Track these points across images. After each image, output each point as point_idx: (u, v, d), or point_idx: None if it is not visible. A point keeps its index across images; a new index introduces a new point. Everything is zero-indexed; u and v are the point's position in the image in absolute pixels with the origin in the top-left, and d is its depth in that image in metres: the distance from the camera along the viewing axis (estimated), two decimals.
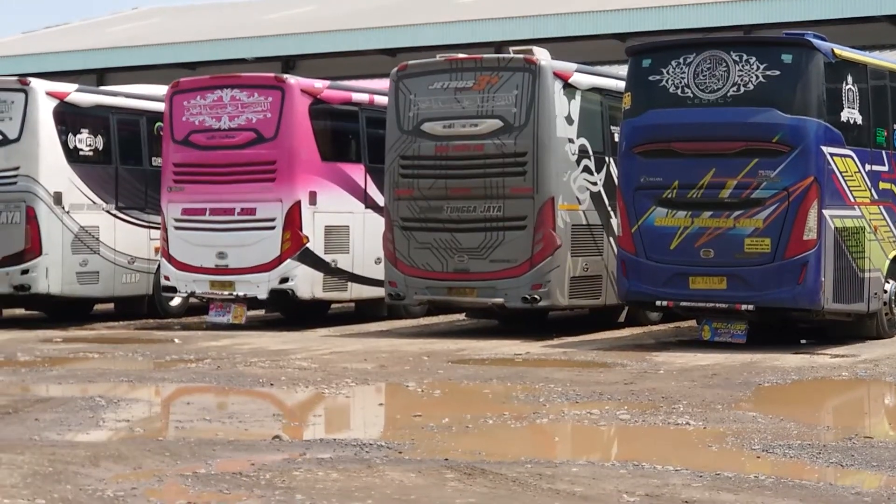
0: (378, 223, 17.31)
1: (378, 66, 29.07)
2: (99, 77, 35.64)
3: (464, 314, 18.69)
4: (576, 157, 16.25)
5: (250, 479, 7.47)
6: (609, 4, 30.82)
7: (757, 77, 14.20)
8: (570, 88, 16.25)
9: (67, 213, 18.23)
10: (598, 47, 29.42)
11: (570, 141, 16.19)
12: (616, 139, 15.99)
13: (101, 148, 18.92)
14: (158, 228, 18.42)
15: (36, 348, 15.39)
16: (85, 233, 18.46)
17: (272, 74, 18.36)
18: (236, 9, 41.59)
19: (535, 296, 15.87)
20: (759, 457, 8.38)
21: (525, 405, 10.61)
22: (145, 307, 19.66)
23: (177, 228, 17.85)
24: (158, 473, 7.75)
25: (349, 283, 17.99)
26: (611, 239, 16.39)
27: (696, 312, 15.00)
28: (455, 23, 32.08)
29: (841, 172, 14.39)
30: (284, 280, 17.26)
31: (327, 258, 17.61)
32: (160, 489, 7.39)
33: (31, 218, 17.92)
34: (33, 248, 17.94)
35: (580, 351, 14.77)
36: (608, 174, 16.62)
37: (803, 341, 15.06)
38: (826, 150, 14.17)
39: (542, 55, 16.24)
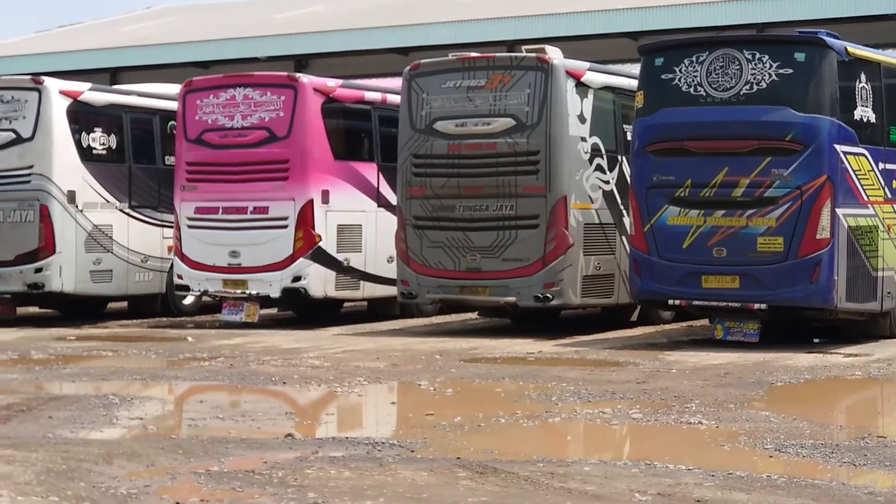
0: (390, 222, 17.32)
1: (391, 65, 29.07)
2: (112, 76, 35.69)
3: (476, 313, 18.69)
4: (588, 155, 16.25)
5: (263, 477, 7.48)
6: (621, 3, 30.78)
7: (770, 75, 14.19)
8: (582, 87, 16.25)
9: (81, 211, 18.28)
10: (610, 46, 29.40)
11: (583, 140, 16.18)
12: (628, 138, 15.98)
13: (114, 147, 18.95)
14: (171, 227, 18.46)
15: (50, 346, 15.43)
16: (98, 231, 18.50)
17: (285, 73, 18.39)
18: (249, 8, 41.62)
19: (548, 295, 15.86)
20: (771, 456, 8.37)
21: (537, 404, 10.61)
22: (158, 306, 19.69)
23: (190, 227, 17.88)
24: (171, 471, 7.77)
25: (361, 282, 18.00)
26: (623, 238, 16.38)
27: (709, 311, 14.98)
28: (467, 21, 32.06)
29: (854, 171, 14.36)
30: (297, 279, 17.28)
31: (340, 257, 17.62)
32: (173, 487, 7.40)
33: (45, 216, 17.96)
34: (47, 246, 17.98)
35: (592, 350, 14.76)
36: (621, 173, 16.60)
37: (816, 340, 15.04)
38: (839, 148, 14.14)
39: (554, 54, 16.24)
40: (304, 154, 17.28)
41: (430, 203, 16.47)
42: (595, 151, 16.35)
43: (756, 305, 14.24)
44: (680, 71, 14.64)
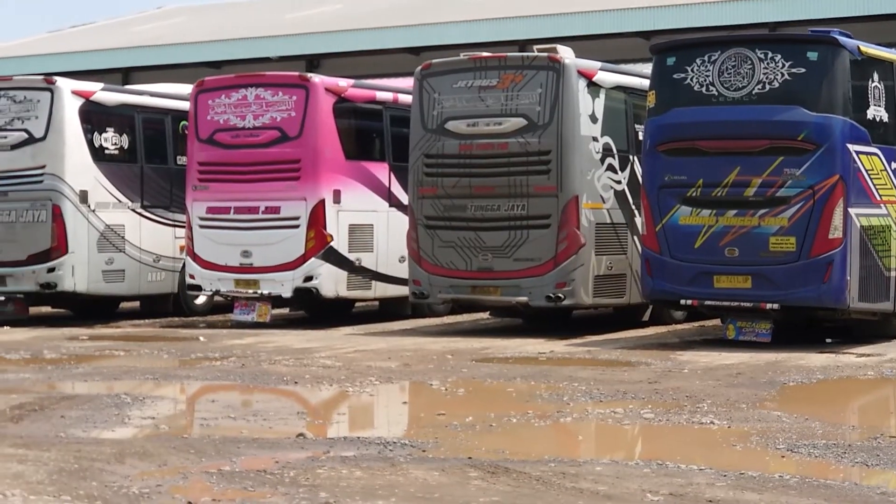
0: (402, 222, 17.33)
1: (402, 65, 29.06)
2: (124, 76, 35.75)
3: (488, 313, 18.68)
4: (600, 155, 16.23)
5: (274, 476, 7.48)
6: (633, 2, 30.75)
7: (782, 75, 14.16)
8: (594, 87, 16.23)
9: (93, 211, 18.31)
10: (622, 45, 29.38)
11: (595, 139, 16.17)
12: (640, 137, 15.96)
13: (126, 146, 18.99)
14: (183, 227, 18.49)
15: (62, 346, 15.46)
16: (110, 231, 18.53)
17: (296, 73, 18.40)
18: (261, 8, 41.65)
19: (559, 294, 15.85)
20: (783, 456, 8.36)
21: (549, 404, 10.60)
22: (170, 305, 19.73)
23: (202, 227, 17.91)
24: (183, 470, 7.77)
25: (373, 282, 18.01)
26: (635, 237, 16.37)
27: (721, 311, 14.96)
28: (479, 21, 32.05)
29: (867, 170, 14.33)
30: (309, 278, 17.30)
31: (351, 257, 17.63)
32: (185, 486, 7.41)
33: (58, 216, 18.00)
34: (59, 246, 18.02)
35: (604, 350, 14.75)
36: (632, 172, 16.59)
37: (828, 340, 15.01)
38: (852, 147, 14.11)
39: (566, 53, 16.22)
40: (315, 154, 17.30)
41: (442, 203, 16.47)
42: (607, 151, 16.34)
43: (768, 305, 14.22)
44: (692, 70, 14.62)
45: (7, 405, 10.31)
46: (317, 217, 17.21)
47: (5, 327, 18.06)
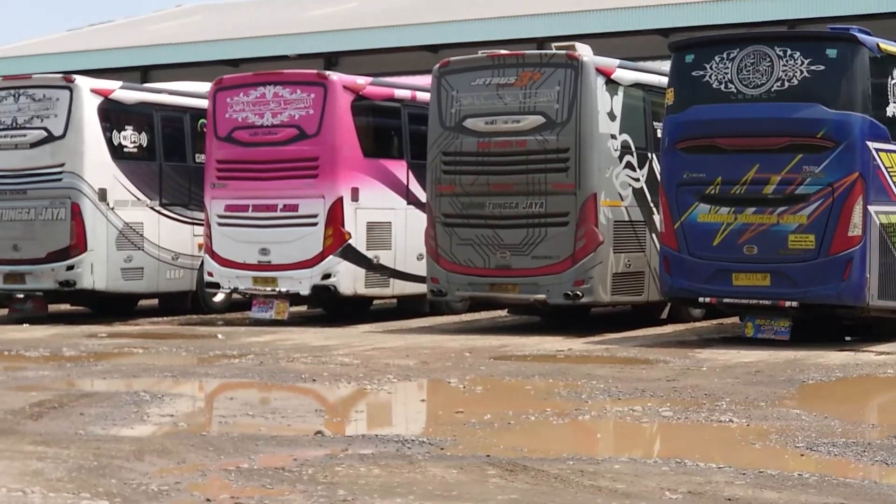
0: (420, 219, 17.33)
1: (420, 63, 29.03)
2: (143, 74, 35.81)
3: (506, 310, 18.67)
4: (618, 153, 16.21)
5: (293, 474, 7.49)
6: (652, 0, 30.69)
7: (801, 72, 14.12)
8: (612, 84, 16.21)
9: (112, 209, 18.36)
10: (640, 43, 29.31)
11: (613, 137, 16.14)
12: (659, 135, 15.94)
13: (145, 145, 19.03)
14: (202, 225, 18.51)
15: (81, 343, 15.50)
16: (129, 229, 18.58)
17: (315, 71, 18.44)
18: (279, 5, 41.68)
19: (578, 292, 15.83)
20: (802, 455, 8.34)
21: (567, 402, 10.59)
22: (189, 303, 19.77)
23: (220, 225, 17.93)
24: (202, 468, 7.79)
25: (391, 280, 18.01)
26: (653, 235, 16.34)
27: (740, 309, 14.94)
28: (497, 19, 32.01)
29: (886, 168, 14.28)
30: (327, 276, 17.31)
31: (369, 254, 17.64)
32: (203, 483, 7.42)
33: (77, 214, 18.05)
34: (78, 244, 18.07)
35: (622, 347, 14.73)
36: (651, 170, 16.56)
37: (848, 338, 14.97)
38: (871, 145, 14.07)
39: (584, 51, 16.21)
40: (333, 152, 17.31)
41: (460, 200, 16.46)
42: (625, 149, 16.31)
43: (787, 303, 14.19)
44: (711, 68, 14.59)
45: (27, 402, 10.35)
46: (335, 215, 17.22)
47: (25, 325, 18.13)
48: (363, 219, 17.54)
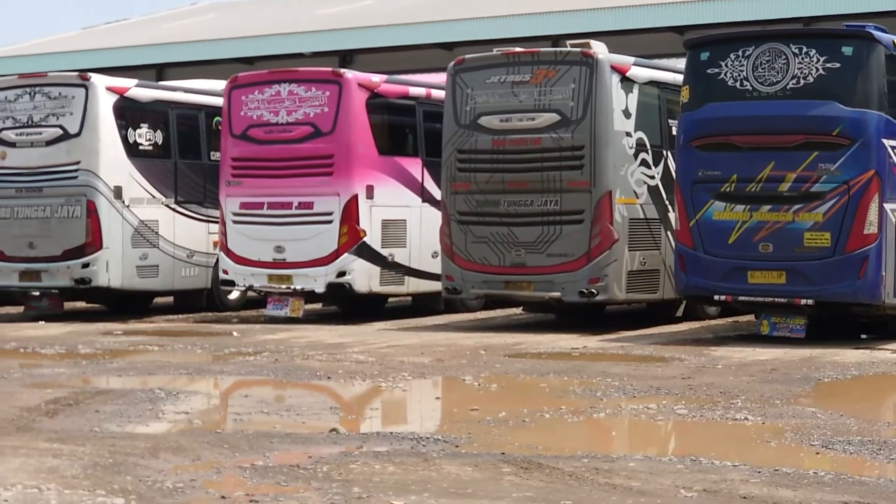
0: (435, 217, 17.33)
1: (435, 60, 29.05)
2: (158, 72, 35.87)
3: (521, 308, 18.67)
4: (633, 150, 16.19)
5: (308, 471, 7.50)
6: None
7: (817, 70, 14.09)
8: (627, 82, 16.19)
9: (127, 207, 18.39)
10: (655, 40, 29.27)
11: (628, 134, 16.12)
12: (674, 133, 15.92)
13: (160, 142, 19.06)
14: (217, 222, 18.53)
15: (96, 341, 15.53)
16: (144, 227, 18.61)
17: (329, 69, 18.43)
18: (293, 3, 41.72)
19: (593, 290, 15.82)
20: (818, 453, 8.32)
21: (582, 399, 10.59)
22: (204, 300, 19.80)
23: (235, 222, 17.96)
24: (217, 465, 7.80)
25: (406, 277, 18.02)
26: (668, 233, 16.32)
27: (755, 307, 14.92)
28: (512, 16, 32.01)
29: None
30: (342, 274, 17.32)
31: (384, 252, 17.64)
32: (218, 481, 7.43)
33: (92, 212, 18.09)
34: (94, 241, 18.10)
35: (637, 345, 14.72)
36: (666, 168, 16.54)
37: (863, 336, 14.94)
38: (887, 143, 14.04)
39: (599, 49, 16.19)
40: (348, 149, 17.32)
41: (475, 198, 16.46)
42: (640, 146, 16.29)
43: (802, 301, 14.17)
44: (726, 65, 14.56)
45: (42, 400, 10.37)
46: (350, 212, 17.23)
47: (40, 322, 18.18)
48: (378, 216, 17.54)
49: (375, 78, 18.05)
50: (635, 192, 16.19)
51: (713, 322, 17.34)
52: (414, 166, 18.20)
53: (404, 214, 17.95)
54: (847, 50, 14.08)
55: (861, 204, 13.87)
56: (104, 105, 18.27)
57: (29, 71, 25.05)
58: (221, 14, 43.76)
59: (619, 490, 7.05)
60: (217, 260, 18.68)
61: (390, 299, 19.58)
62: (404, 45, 32.97)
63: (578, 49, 16.15)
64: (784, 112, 14.27)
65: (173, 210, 19.05)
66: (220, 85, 19.15)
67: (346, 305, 19.31)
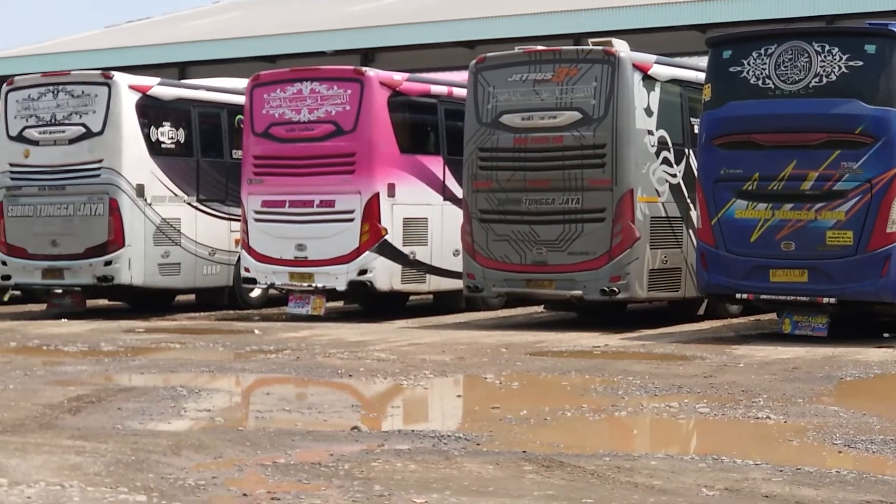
0: (456, 215, 17.33)
1: (457, 59, 29.03)
2: (180, 70, 35.93)
3: (542, 306, 18.66)
4: (655, 148, 16.16)
5: (329, 469, 7.51)
6: None
7: (839, 68, 14.04)
8: (649, 80, 16.16)
9: (150, 205, 18.44)
10: (677, 38, 29.19)
11: (650, 133, 16.10)
12: (696, 131, 15.89)
13: (182, 141, 19.11)
14: (239, 220, 18.56)
15: (119, 338, 15.58)
16: (167, 225, 18.66)
17: (351, 67, 18.45)
18: (315, 2, 41.73)
19: (614, 288, 15.80)
20: (840, 452, 8.30)
21: (603, 398, 10.58)
22: (226, 298, 19.84)
23: (257, 220, 17.99)
24: (238, 463, 7.82)
25: (427, 275, 18.03)
26: (690, 231, 16.29)
27: (777, 305, 14.88)
28: (533, 15, 31.96)
29: None
30: (363, 272, 17.33)
31: (406, 250, 17.65)
32: (240, 478, 7.45)
33: (114, 210, 18.14)
34: (116, 239, 18.16)
35: (659, 343, 14.70)
36: (688, 166, 16.51)
37: (886, 335, 14.87)
38: None
39: (621, 47, 16.17)
40: (370, 148, 17.33)
41: (497, 196, 16.46)
42: (662, 145, 16.27)
43: (825, 299, 14.12)
44: (748, 63, 14.53)
45: (65, 397, 10.41)
46: (371, 210, 17.25)
47: (63, 320, 18.25)
48: (399, 214, 17.55)
49: (397, 76, 18.06)
50: (657, 191, 16.16)
51: (735, 320, 17.30)
52: (435, 164, 18.21)
53: (426, 213, 17.96)
54: (870, 48, 14.03)
55: (884, 202, 13.82)
56: (127, 103, 18.32)
57: (52, 69, 25.15)
58: (243, 12, 43.81)
59: (641, 488, 7.05)
60: (239, 258, 18.71)
61: (411, 297, 19.58)
62: (426, 43, 32.95)
63: (600, 47, 16.13)
64: (806, 110, 14.22)
65: (195, 208, 19.10)
66: (243, 83, 19.19)
67: (367, 303, 19.33)
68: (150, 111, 18.70)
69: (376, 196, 17.27)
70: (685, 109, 16.74)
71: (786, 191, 14.30)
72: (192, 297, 20.45)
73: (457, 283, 17.60)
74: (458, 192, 17.52)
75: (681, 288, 16.54)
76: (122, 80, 18.48)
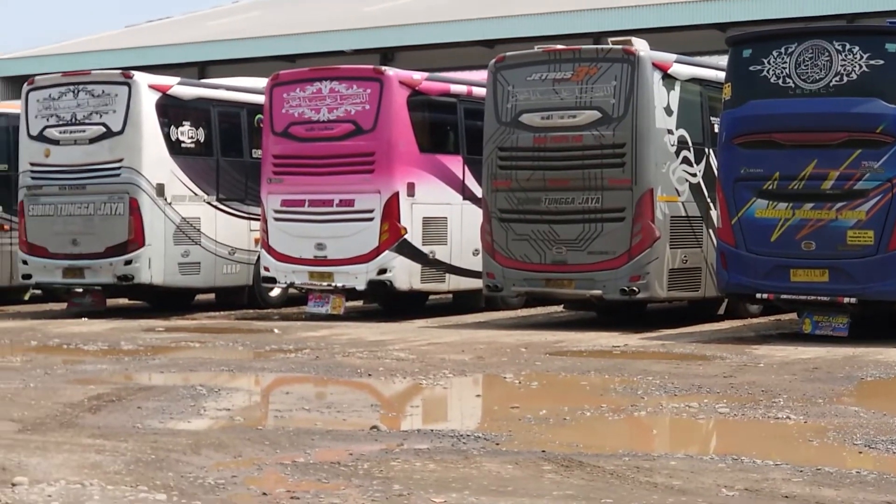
0: (476, 215, 17.32)
1: (476, 58, 29.02)
2: (200, 70, 36.01)
3: (561, 306, 18.64)
4: (675, 148, 16.13)
5: (348, 468, 7.51)
6: None
7: (860, 66, 14.00)
8: (669, 79, 16.13)
9: (170, 204, 18.48)
10: (697, 37, 29.14)
11: (670, 132, 16.07)
12: (716, 130, 15.85)
13: (202, 140, 19.15)
14: (258, 220, 18.59)
15: (139, 337, 15.62)
16: (186, 224, 18.69)
17: (371, 66, 18.46)
18: (335, 1, 41.78)
19: (634, 288, 15.78)
20: (861, 452, 8.27)
21: (623, 397, 10.56)
22: (245, 297, 19.87)
23: (276, 220, 18.01)
24: (258, 462, 7.83)
25: (447, 275, 18.02)
26: (710, 231, 16.25)
27: (797, 305, 14.84)
28: (553, 14, 31.94)
29: None
30: (382, 271, 17.34)
31: (425, 249, 17.65)
32: (260, 477, 7.46)
33: (135, 209, 18.18)
34: (136, 238, 18.20)
35: (679, 343, 14.67)
36: (708, 165, 16.46)
37: None
38: None
39: (640, 46, 16.14)
40: (389, 147, 17.33)
41: (516, 196, 16.44)
42: (682, 144, 16.23)
43: (845, 299, 14.08)
44: (768, 62, 14.49)
45: (85, 396, 10.44)
46: (391, 210, 17.25)
47: (84, 319, 18.30)
48: (419, 214, 17.55)
49: (417, 75, 18.06)
50: (677, 190, 16.13)
51: (755, 320, 17.26)
52: (455, 164, 18.20)
53: (445, 212, 17.95)
54: (891, 47, 13.98)
55: None
56: (147, 103, 18.37)
57: (72, 69, 25.22)
58: (263, 12, 43.88)
59: (661, 489, 7.03)
60: (258, 257, 18.75)
61: (431, 297, 19.59)
62: (445, 42, 32.96)
63: (620, 46, 16.10)
64: (827, 109, 14.17)
65: (215, 207, 19.14)
66: (262, 82, 19.21)
67: (386, 303, 19.34)
68: (170, 111, 18.74)
69: (396, 195, 17.27)
70: (705, 108, 16.70)
71: (806, 190, 14.26)
72: (211, 296, 20.49)
73: (476, 283, 17.59)
74: (478, 191, 17.51)
75: (701, 287, 16.50)
76: (142, 79, 18.52)
